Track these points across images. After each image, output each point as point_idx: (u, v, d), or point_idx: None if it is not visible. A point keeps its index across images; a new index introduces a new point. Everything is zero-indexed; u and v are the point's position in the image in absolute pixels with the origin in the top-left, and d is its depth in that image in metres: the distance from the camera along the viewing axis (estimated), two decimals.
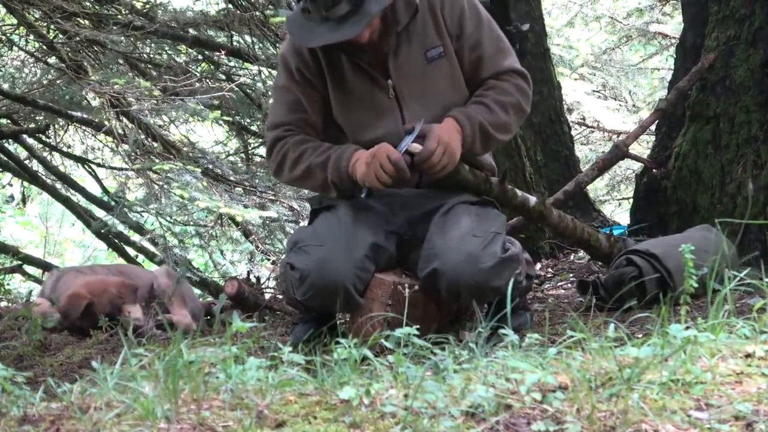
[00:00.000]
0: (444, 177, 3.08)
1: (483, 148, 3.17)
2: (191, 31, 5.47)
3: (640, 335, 2.44)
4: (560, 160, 5.61)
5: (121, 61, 5.50)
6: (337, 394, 1.77)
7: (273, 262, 6.11)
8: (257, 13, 5.34)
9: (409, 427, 1.63)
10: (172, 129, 6.23)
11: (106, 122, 5.08)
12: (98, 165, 6.71)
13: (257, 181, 5.70)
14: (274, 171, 3.28)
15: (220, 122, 6.24)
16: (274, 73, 5.66)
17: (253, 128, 6.26)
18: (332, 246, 3.01)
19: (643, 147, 7.82)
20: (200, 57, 6.03)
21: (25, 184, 7.37)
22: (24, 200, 7.81)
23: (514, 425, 1.64)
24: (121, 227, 5.97)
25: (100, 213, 6.83)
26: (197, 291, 5.90)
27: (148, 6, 5.55)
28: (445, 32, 3.12)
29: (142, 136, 5.01)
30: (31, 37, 5.69)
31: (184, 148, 5.41)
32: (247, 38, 5.60)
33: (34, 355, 3.82)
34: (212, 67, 6.08)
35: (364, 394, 1.73)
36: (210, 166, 5.31)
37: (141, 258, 7.10)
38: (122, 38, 5.04)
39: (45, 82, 5.81)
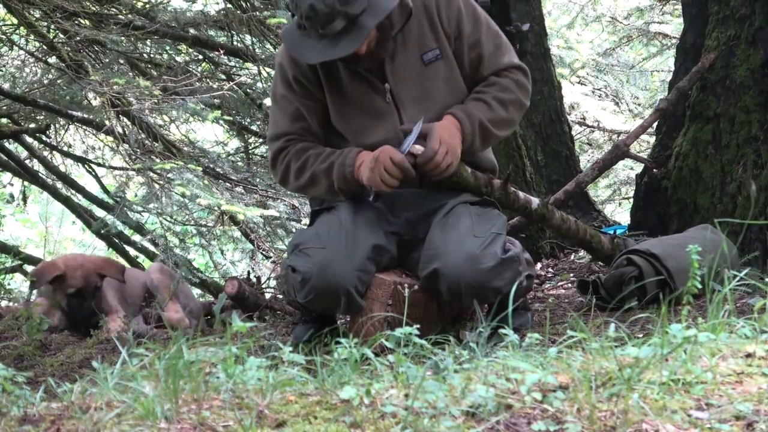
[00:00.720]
0: (446, 178, 3.09)
1: (483, 144, 3.17)
2: (191, 30, 5.47)
3: (640, 335, 2.44)
4: (560, 159, 5.61)
5: (121, 61, 5.51)
6: (338, 394, 1.77)
7: (273, 262, 6.11)
8: (256, 13, 5.34)
9: (410, 427, 1.63)
10: (172, 128, 6.23)
11: (107, 122, 5.08)
12: (98, 165, 6.71)
13: (258, 180, 5.71)
14: (280, 181, 3.28)
15: (221, 122, 6.23)
16: (273, 72, 5.66)
17: (254, 128, 6.27)
18: (333, 248, 3.01)
19: (643, 147, 7.82)
20: (200, 57, 6.03)
21: (26, 183, 7.37)
22: (25, 200, 7.80)
23: (514, 425, 1.64)
24: (121, 227, 5.97)
25: (100, 213, 6.83)
26: (197, 291, 5.91)
27: (148, 6, 5.55)
28: (441, 34, 3.12)
29: (143, 136, 5.01)
30: (32, 36, 5.69)
31: (185, 148, 5.41)
32: (247, 38, 5.60)
33: (34, 355, 3.82)
34: (212, 66, 6.08)
35: (364, 394, 1.73)
36: (211, 165, 5.31)
37: (141, 258, 7.10)
38: (122, 38, 5.04)
39: (45, 81, 5.81)
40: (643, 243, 3.90)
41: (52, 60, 5.63)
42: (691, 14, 4.86)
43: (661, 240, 3.95)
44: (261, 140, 6.33)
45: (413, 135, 3.01)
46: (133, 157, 5.19)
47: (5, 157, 6.52)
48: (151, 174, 5.04)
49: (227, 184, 5.38)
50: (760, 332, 2.00)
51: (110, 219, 5.35)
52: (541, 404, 1.69)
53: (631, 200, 5.09)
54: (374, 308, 3.03)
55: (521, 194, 3.52)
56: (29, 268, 7.00)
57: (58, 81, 5.65)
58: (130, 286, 4.57)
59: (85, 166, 6.82)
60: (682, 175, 4.48)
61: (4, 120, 6.09)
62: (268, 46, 5.62)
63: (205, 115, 4.97)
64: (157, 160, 4.81)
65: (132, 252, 6.94)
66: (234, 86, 5.46)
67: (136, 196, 6.02)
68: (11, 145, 6.58)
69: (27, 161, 6.76)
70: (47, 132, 6.04)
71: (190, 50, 5.88)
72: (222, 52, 5.56)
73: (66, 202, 6.86)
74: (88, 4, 5.26)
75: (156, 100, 4.74)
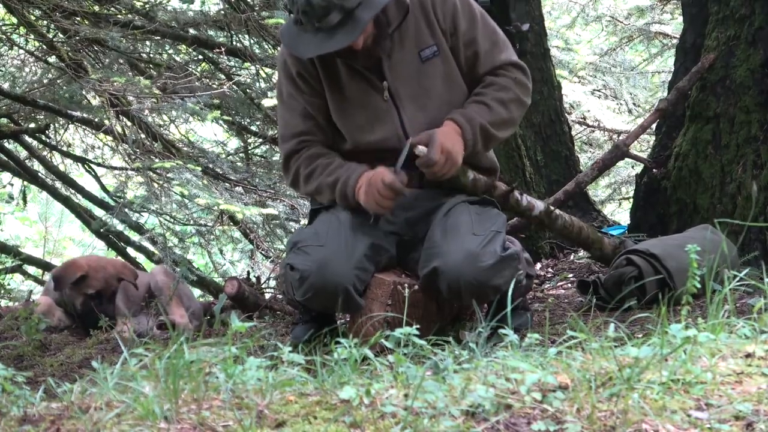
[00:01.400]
0: (446, 181, 3.10)
1: (485, 147, 3.18)
2: (191, 30, 5.47)
3: (640, 335, 2.44)
4: (560, 159, 5.61)
5: (121, 61, 5.50)
6: (337, 394, 1.77)
7: (272, 261, 6.11)
8: (254, 13, 5.34)
9: (409, 427, 1.63)
10: (171, 128, 6.23)
11: (106, 121, 5.08)
12: (98, 164, 6.71)
13: (257, 180, 5.71)
14: (290, 184, 3.32)
15: (220, 122, 6.24)
16: (272, 72, 5.67)
17: (253, 128, 6.27)
18: (332, 247, 3.01)
19: (643, 147, 7.82)
20: (200, 57, 6.03)
21: (25, 183, 7.36)
22: (25, 199, 7.80)
23: (514, 425, 1.64)
24: (120, 227, 5.98)
25: (99, 212, 6.83)
26: (197, 291, 5.90)
27: (147, 6, 5.54)
28: (438, 31, 3.12)
29: (142, 136, 5.01)
30: (31, 36, 5.68)
31: (184, 148, 5.41)
32: (247, 38, 5.60)
33: (34, 355, 3.82)
34: (212, 66, 6.08)
35: (364, 394, 1.73)
36: (210, 165, 5.31)
37: (141, 258, 7.09)
38: (122, 38, 5.04)
39: (45, 81, 5.81)
40: (643, 243, 3.90)
41: (52, 59, 5.62)
42: (691, 14, 4.86)
43: (661, 240, 3.95)
44: (260, 140, 6.33)
45: (402, 155, 3.01)
46: (133, 156, 5.19)
47: (5, 157, 6.52)
48: (151, 174, 5.04)
49: (226, 184, 5.38)
50: (760, 332, 2.00)
51: (109, 218, 5.35)
52: (541, 404, 1.69)
53: (631, 200, 5.09)
54: (374, 308, 3.03)
55: (525, 201, 3.51)
56: (29, 268, 7.01)
57: (58, 80, 5.65)
58: (133, 288, 4.59)
59: (85, 165, 6.82)
60: (681, 175, 4.48)
61: (4, 120, 6.09)
62: (267, 46, 5.62)
63: (205, 115, 4.97)
64: (157, 160, 4.81)
65: (131, 252, 6.94)
66: (233, 86, 5.46)
67: (135, 195, 6.01)
68: (11, 145, 6.58)
69: (27, 161, 6.76)
70: (47, 132, 6.04)
71: (190, 50, 5.88)
72: (222, 51, 5.56)
73: (65, 201, 6.85)
74: (87, 3, 5.26)
75: (155, 100, 4.74)
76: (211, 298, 5.72)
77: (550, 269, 4.89)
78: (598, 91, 9.43)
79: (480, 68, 3.17)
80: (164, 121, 6.02)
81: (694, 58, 4.66)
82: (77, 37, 5.00)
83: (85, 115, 5.36)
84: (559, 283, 4.54)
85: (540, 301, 4.13)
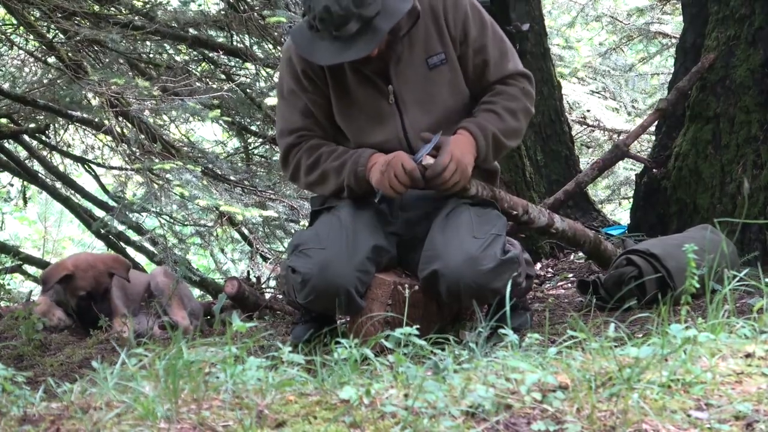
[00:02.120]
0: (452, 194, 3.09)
1: (495, 156, 3.19)
2: (191, 30, 5.47)
3: (640, 335, 2.44)
4: (560, 159, 5.61)
5: (121, 61, 5.50)
6: (337, 394, 1.77)
7: (271, 261, 6.10)
8: (255, 13, 5.34)
9: (409, 427, 1.63)
10: (171, 128, 6.23)
11: (106, 122, 5.08)
12: (98, 165, 6.71)
13: (257, 180, 5.71)
14: (290, 177, 3.30)
15: (220, 122, 6.23)
16: (272, 72, 5.66)
17: (253, 128, 6.26)
18: (334, 249, 3.01)
19: (643, 147, 7.82)
20: (200, 57, 6.03)
21: (25, 183, 7.37)
22: (25, 200, 7.81)
23: (514, 425, 1.64)
24: (121, 228, 5.97)
25: (99, 213, 6.82)
26: (197, 291, 5.90)
27: (147, 6, 5.54)
28: (447, 38, 3.12)
29: (142, 136, 5.01)
30: (31, 36, 5.68)
31: (184, 148, 5.41)
32: (247, 38, 5.60)
33: (34, 355, 3.82)
34: (212, 66, 6.08)
35: (364, 394, 1.73)
36: (210, 166, 5.31)
37: (142, 259, 7.09)
38: (122, 38, 5.04)
39: (45, 81, 5.81)
40: (643, 243, 3.90)
41: (52, 60, 5.62)
42: (691, 14, 4.86)
43: (661, 240, 3.95)
44: (260, 140, 6.33)
45: (429, 145, 3.01)
46: (132, 157, 5.19)
47: (5, 158, 6.52)
48: (150, 174, 5.04)
49: (226, 184, 5.38)
50: (760, 332, 2.00)
51: (110, 219, 5.34)
52: (541, 404, 1.69)
53: (631, 200, 5.09)
54: (374, 308, 3.03)
55: (531, 214, 3.50)
56: (29, 268, 7.01)
57: (58, 81, 5.65)
58: (131, 286, 4.57)
59: (85, 166, 6.82)
60: (681, 175, 4.48)
61: (4, 120, 6.09)
62: (267, 46, 5.61)
63: (205, 115, 4.96)
64: (156, 161, 4.81)
65: (132, 252, 6.94)
66: (234, 86, 5.46)
67: (134, 195, 6.01)
68: (11, 145, 6.58)
69: (27, 161, 6.76)
70: (47, 132, 6.04)
71: (190, 50, 5.88)
72: (221, 52, 5.56)
73: (65, 202, 6.86)
74: (87, 3, 5.26)
75: (155, 101, 4.74)
76: (211, 298, 5.72)
77: (550, 269, 4.89)
78: (597, 92, 9.44)
79: (489, 77, 3.18)
80: (164, 121, 6.02)
81: (694, 58, 4.66)
82: (77, 38, 5.00)
83: (85, 116, 5.36)
84: (559, 283, 4.54)
85: (540, 301, 4.13)
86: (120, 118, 5.04)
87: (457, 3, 3.11)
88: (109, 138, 5.93)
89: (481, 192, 3.19)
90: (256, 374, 1.82)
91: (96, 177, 6.87)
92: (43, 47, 5.49)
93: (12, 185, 7.57)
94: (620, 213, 8.72)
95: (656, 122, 4.88)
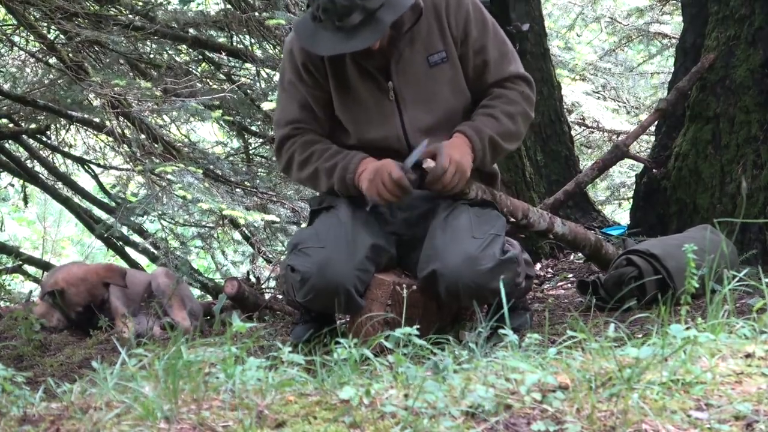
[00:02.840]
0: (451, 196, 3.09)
1: (492, 159, 3.19)
2: (191, 31, 5.47)
3: (640, 335, 2.44)
4: (560, 160, 5.61)
5: (121, 62, 5.50)
6: (337, 394, 1.77)
7: (270, 262, 6.10)
8: (255, 14, 5.34)
9: (409, 427, 1.63)
10: (172, 129, 6.23)
11: (107, 123, 5.08)
12: (99, 166, 6.71)
13: (258, 181, 5.70)
14: (282, 170, 3.31)
15: (221, 122, 6.23)
16: (273, 73, 5.67)
17: (254, 128, 6.27)
18: (333, 248, 3.01)
19: (643, 147, 7.82)
20: (200, 57, 6.04)
21: (25, 183, 7.37)
22: (26, 200, 7.81)
23: (514, 425, 1.64)
24: (123, 230, 5.97)
25: (99, 213, 6.83)
26: (197, 292, 5.90)
27: (148, 6, 5.55)
28: (449, 37, 3.12)
29: (143, 137, 5.01)
30: (32, 37, 5.69)
31: (185, 149, 5.41)
32: (247, 39, 5.60)
33: (34, 355, 3.82)
34: (212, 67, 6.08)
35: (364, 394, 1.73)
36: (211, 167, 5.31)
37: (143, 260, 7.09)
38: (123, 39, 5.04)
39: (46, 82, 5.81)
40: (643, 243, 3.90)
41: (52, 61, 5.63)
42: (690, 14, 4.86)
43: (661, 240, 3.95)
44: (261, 140, 6.33)
45: (417, 152, 3.01)
46: (133, 158, 5.19)
47: (5, 158, 6.52)
48: (152, 176, 5.04)
49: (227, 186, 5.38)
50: (760, 332, 2.00)
51: (112, 221, 5.34)
52: (541, 404, 1.69)
53: (631, 200, 5.09)
54: (374, 308, 3.03)
55: (532, 218, 3.50)
56: (29, 268, 7.01)
57: (59, 81, 5.65)
58: (130, 286, 4.57)
59: (85, 166, 6.83)
60: (681, 175, 4.48)
61: (5, 120, 6.09)
62: (268, 46, 5.62)
63: (206, 116, 4.97)
64: (157, 161, 4.81)
65: (133, 254, 6.94)
66: (235, 87, 5.46)
67: (135, 196, 6.01)
68: (11, 146, 6.58)
69: (27, 162, 6.76)
70: (47, 132, 6.05)
71: (191, 51, 5.88)
72: (222, 53, 5.56)
73: (66, 202, 6.86)
74: (88, 4, 5.26)
75: (156, 101, 4.74)
76: (211, 299, 5.72)
77: (550, 269, 4.89)
78: (597, 93, 9.44)
79: (488, 78, 3.17)
80: (165, 121, 6.02)
81: (694, 58, 4.66)
82: (78, 39, 5.00)
83: (85, 116, 5.36)
84: (559, 283, 4.54)
85: (540, 301, 4.13)
86: (121, 119, 5.04)
87: (460, 2, 3.11)
88: (110, 138, 5.94)
89: (481, 195, 3.19)
90: (255, 374, 1.82)
91: (96, 178, 6.87)
92: (44, 48, 5.49)
93: (12, 185, 7.58)
94: (620, 214, 8.72)
95: (656, 122, 4.89)
